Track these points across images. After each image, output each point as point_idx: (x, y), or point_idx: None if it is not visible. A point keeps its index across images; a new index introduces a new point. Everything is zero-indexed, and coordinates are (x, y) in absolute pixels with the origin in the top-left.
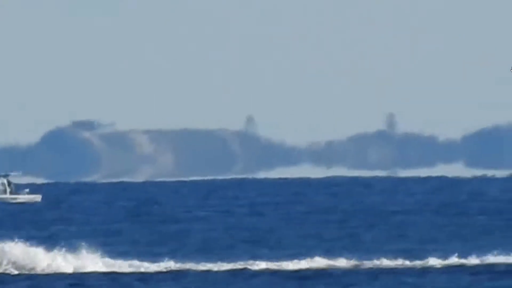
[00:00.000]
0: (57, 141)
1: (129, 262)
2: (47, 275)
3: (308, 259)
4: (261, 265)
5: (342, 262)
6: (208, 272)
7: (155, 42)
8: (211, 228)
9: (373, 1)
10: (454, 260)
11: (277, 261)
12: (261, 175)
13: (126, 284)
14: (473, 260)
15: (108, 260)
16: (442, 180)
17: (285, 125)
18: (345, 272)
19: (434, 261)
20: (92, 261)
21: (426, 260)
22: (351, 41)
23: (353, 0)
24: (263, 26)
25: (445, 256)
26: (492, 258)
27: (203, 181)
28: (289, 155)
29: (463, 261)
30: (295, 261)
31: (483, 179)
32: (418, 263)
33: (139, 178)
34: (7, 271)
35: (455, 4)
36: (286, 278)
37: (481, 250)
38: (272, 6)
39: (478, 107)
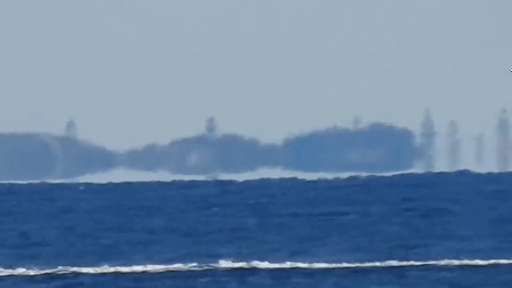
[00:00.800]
0: None
1: None
2: None
3: (146, 264)
4: (87, 269)
5: (179, 266)
6: (36, 275)
7: None
8: (45, 229)
9: (181, 3)
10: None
11: (99, 266)
12: (81, 179)
13: None
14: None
15: None
16: (261, 183)
17: (106, 129)
18: (191, 274)
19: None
20: None
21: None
22: (173, 45)
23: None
24: (80, 30)
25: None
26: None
27: (23, 185)
28: (110, 160)
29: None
30: (128, 266)
31: (305, 183)
32: (275, 265)
33: None
34: None
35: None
36: (120, 280)
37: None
38: (92, 14)
39: (299, 111)
